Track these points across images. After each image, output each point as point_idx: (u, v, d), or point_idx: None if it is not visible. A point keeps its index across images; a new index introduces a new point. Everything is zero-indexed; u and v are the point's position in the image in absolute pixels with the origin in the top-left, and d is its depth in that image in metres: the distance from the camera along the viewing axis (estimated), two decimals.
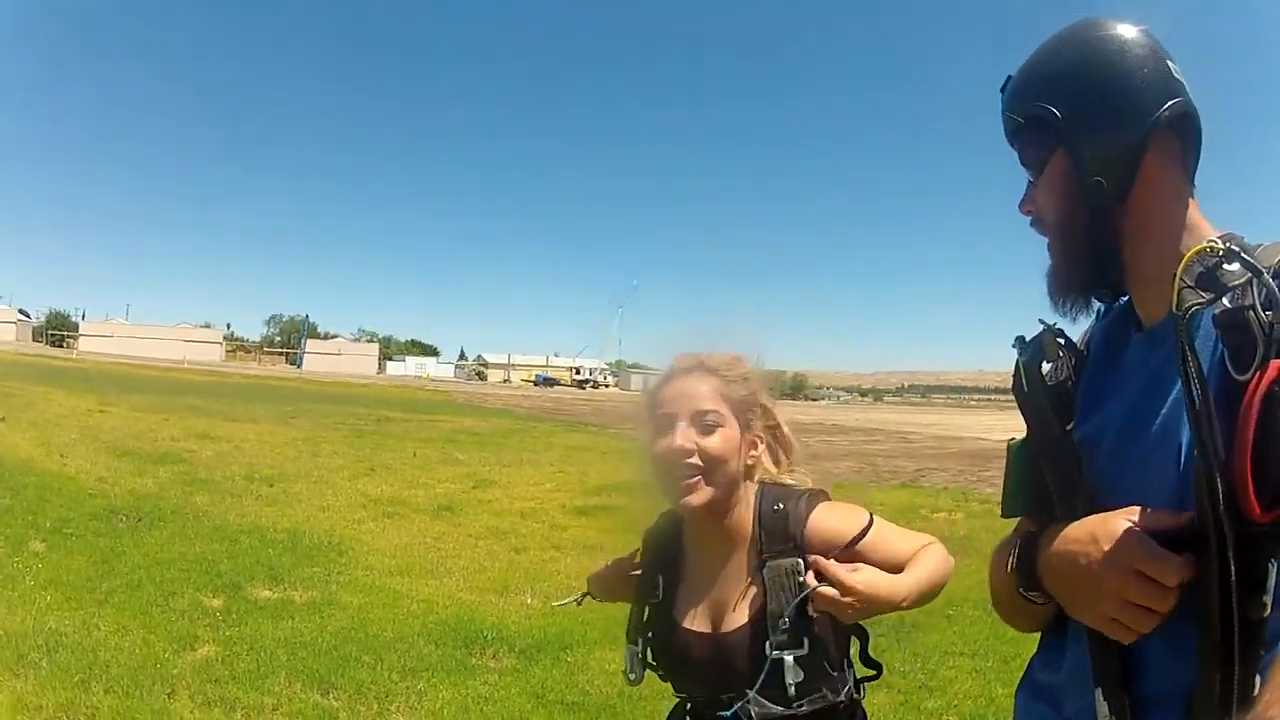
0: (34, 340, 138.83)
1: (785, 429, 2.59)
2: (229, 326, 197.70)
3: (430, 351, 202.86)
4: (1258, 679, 1.45)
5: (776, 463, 2.56)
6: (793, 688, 2.26)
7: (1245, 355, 1.48)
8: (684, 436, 2.34)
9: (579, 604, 2.83)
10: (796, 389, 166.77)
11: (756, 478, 2.50)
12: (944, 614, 8.75)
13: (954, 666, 7.10)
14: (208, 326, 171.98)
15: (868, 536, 2.35)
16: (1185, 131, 1.76)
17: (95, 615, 7.67)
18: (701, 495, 2.34)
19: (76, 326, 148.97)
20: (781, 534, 2.36)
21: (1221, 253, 1.57)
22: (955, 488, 18.84)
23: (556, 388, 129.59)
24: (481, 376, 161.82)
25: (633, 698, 6.20)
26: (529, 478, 18.68)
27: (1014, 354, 2.00)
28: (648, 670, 2.60)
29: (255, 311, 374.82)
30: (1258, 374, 1.44)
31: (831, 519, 2.37)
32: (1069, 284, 1.84)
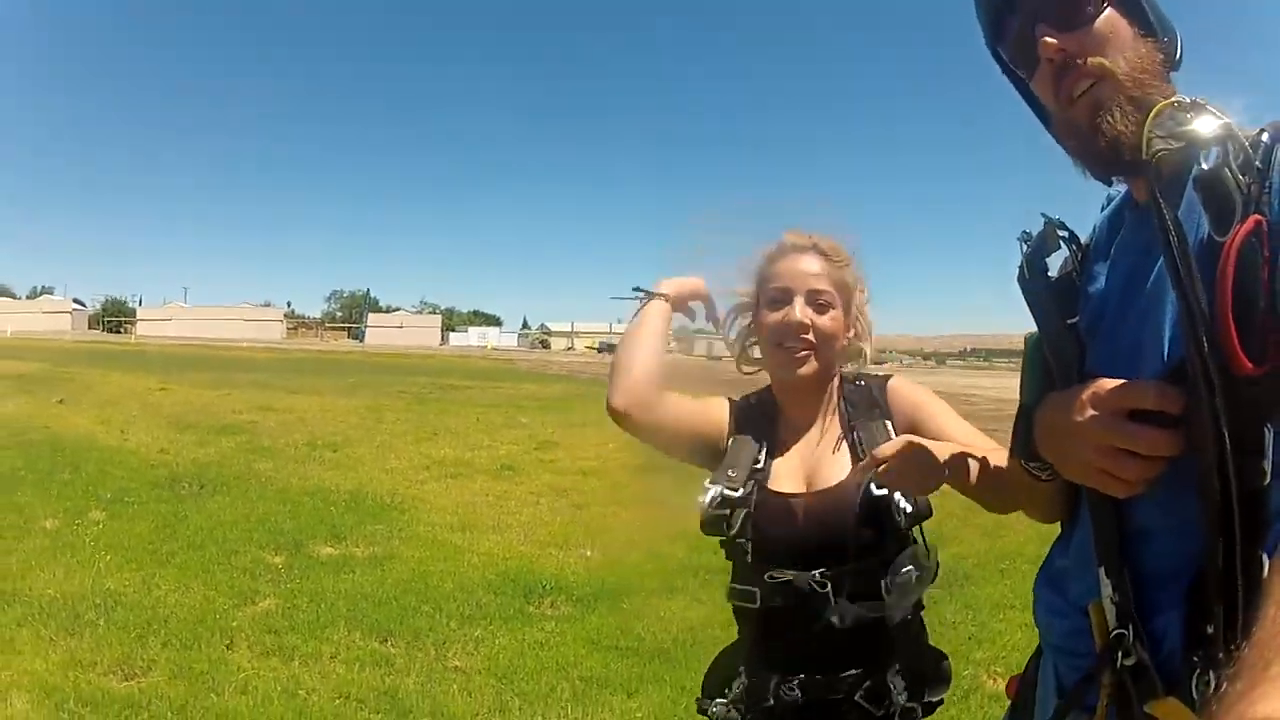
0: (90, 328, 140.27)
1: (866, 314, 2.71)
2: (289, 304, 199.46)
3: (493, 321, 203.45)
4: (1264, 558, 1.42)
5: (864, 340, 2.69)
6: (905, 517, 2.40)
7: (1224, 217, 1.48)
8: (802, 312, 2.51)
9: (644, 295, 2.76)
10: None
11: (848, 360, 2.69)
12: (997, 568, 8.79)
13: (1004, 619, 7.07)
14: (268, 305, 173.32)
15: (938, 408, 2.59)
16: None
17: (156, 575, 7.85)
18: (810, 368, 2.54)
19: (134, 312, 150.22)
20: (867, 401, 2.61)
21: (1189, 107, 1.58)
22: None
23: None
24: (545, 345, 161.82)
25: (686, 644, 6.29)
26: (591, 438, 18.65)
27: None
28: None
29: (316, 288, 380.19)
30: (1235, 229, 1.44)
31: (906, 388, 2.65)
32: (1124, 151, 1.67)
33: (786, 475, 2.57)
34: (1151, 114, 1.59)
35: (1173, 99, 1.62)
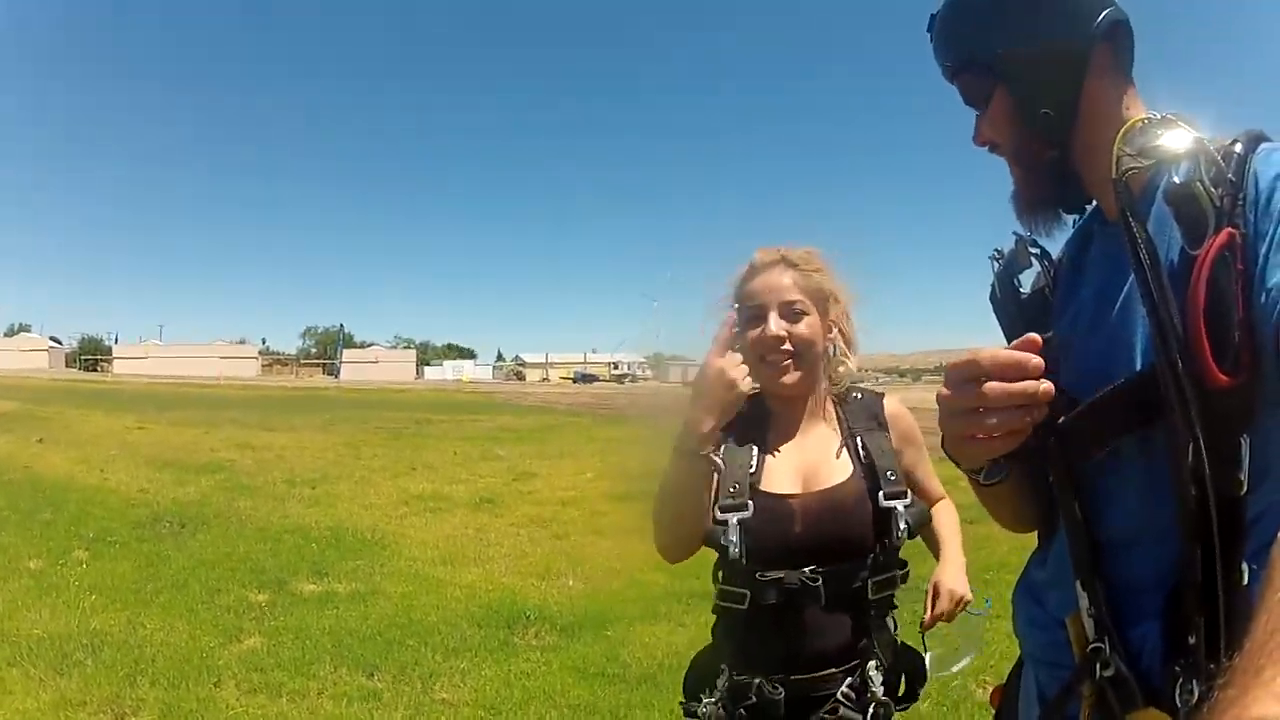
0: (67, 366, 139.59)
1: (849, 317, 2.83)
2: (264, 341, 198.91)
3: (467, 354, 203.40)
4: (1244, 566, 1.45)
5: (848, 343, 2.82)
6: (904, 535, 2.58)
7: (1197, 230, 1.50)
8: (777, 325, 2.62)
9: None
10: None
11: (832, 365, 2.78)
12: (982, 579, 8.75)
13: (991, 629, 7.07)
14: (243, 343, 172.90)
15: (923, 450, 2.84)
16: (1119, 35, 1.77)
17: (140, 615, 7.81)
18: (793, 376, 2.66)
19: (109, 351, 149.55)
20: (866, 413, 2.78)
21: (1159, 123, 1.63)
22: None
23: (596, 384, 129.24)
24: (520, 376, 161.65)
25: (671, 668, 6.27)
26: (570, 469, 18.77)
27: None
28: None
29: (290, 325, 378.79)
30: (1208, 242, 1.47)
31: (904, 415, 2.85)
32: (1034, 203, 1.89)
33: (782, 476, 2.64)
34: (1121, 131, 1.63)
35: (1142, 116, 1.67)
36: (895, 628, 2.73)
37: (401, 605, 8.48)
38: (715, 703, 2.63)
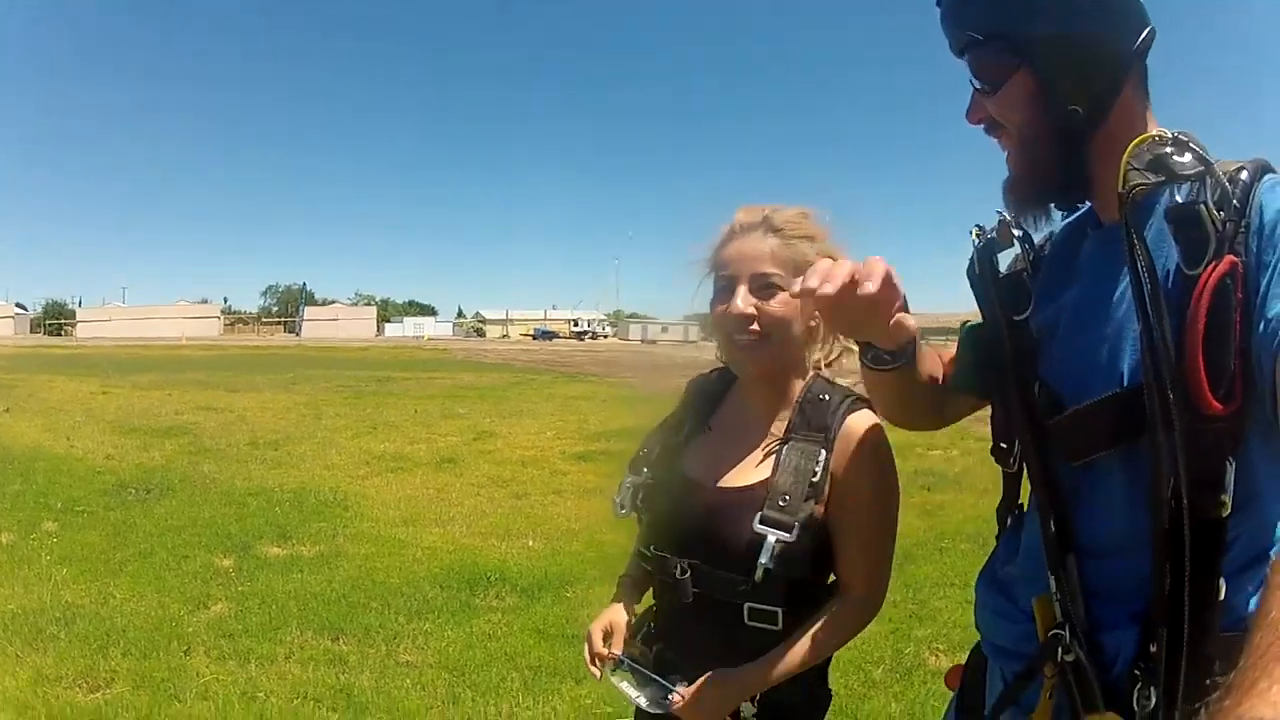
0: (32, 332, 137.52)
1: None
2: (226, 300, 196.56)
3: (428, 311, 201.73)
4: (1222, 583, 1.50)
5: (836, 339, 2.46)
6: (761, 570, 2.15)
7: (1196, 251, 1.51)
8: (745, 301, 2.26)
9: None
10: None
11: (819, 354, 2.44)
12: (936, 546, 9.04)
13: (945, 597, 7.25)
14: (205, 302, 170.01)
15: (872, 503, 2.30)
16: (1148, 52, 1.75)
17: (110, 585, 7.83)
18: (759, 357, 2.32)
19: (74, 315, 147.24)
20: (818, 422, 2.30)
21: (1170, 141, 1.62)
22: (953, 427, 18.44)
23: (555, 340, 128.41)
24: (480, 333, 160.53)
25: None
26: (529, 428, 18.79)
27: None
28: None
29: (252, 283, 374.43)
30: (1209, 267, 1.47)
31: (867, 443, 2.27)
32: (1032, 197, 1.85)
33: (705, 460, 2.44)
34: (1130, 147, 1.63)
35: (1152, 133, 1.66)
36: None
37: (364, 567, 8.54)
38: (636, 651, 2.51)
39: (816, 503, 2.20)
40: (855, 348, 2.15)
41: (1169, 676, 1.50)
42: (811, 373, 2.41)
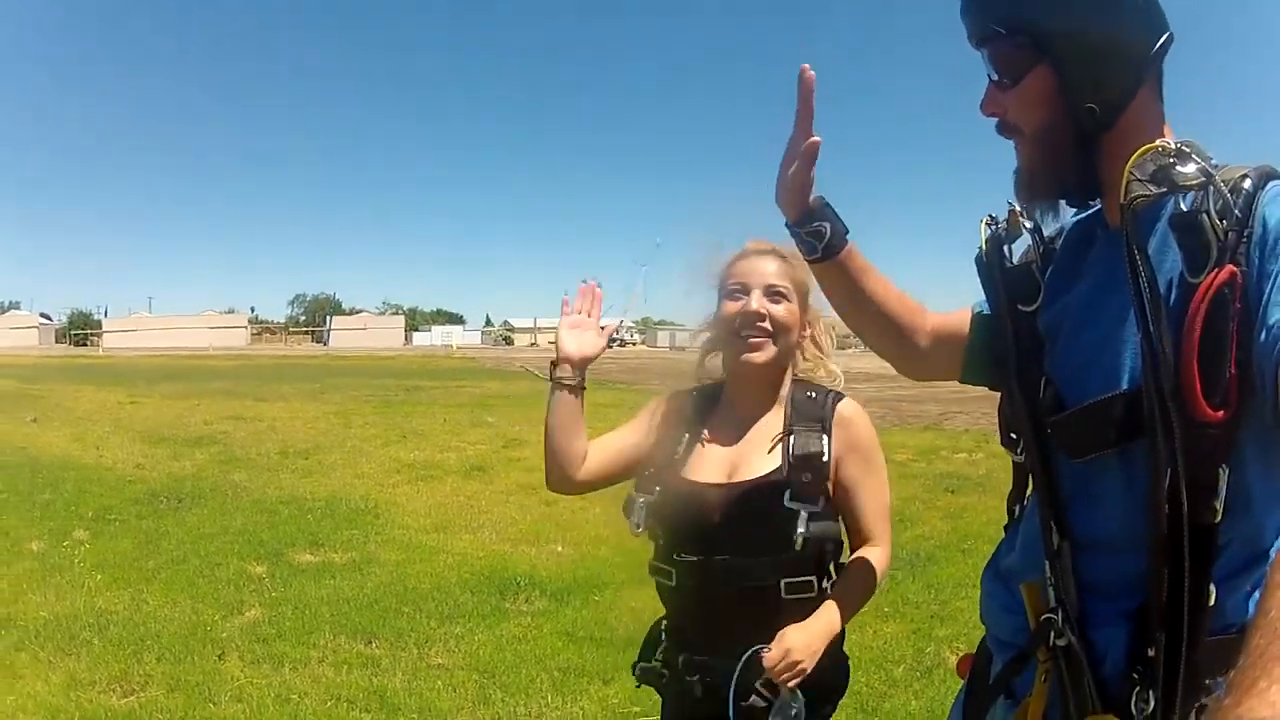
0: (57, 342, 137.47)
1: (824, 331, 2.90)
2: (253, 310, 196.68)
3: (456, 320, 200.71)
4: (1212, 588, 1.53)
5: (819, 348, 2.89)
6: (800, 539, 2.50)
7: (1198, 259, 1.53)
8: (758, 303, 2.68)
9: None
10: None
11: (800, 365, 2.85)
12: (959, 548, 9.13)
13: (966, 598, 7.25)
14: (232, 312, 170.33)
15: (872, 464, 2.74)
16: (1164, 57, 1.78)
17: (144, 591, 7.95)
18: (765, 354, 2.69)
19: (99, 325, 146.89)
20: (814, 413, 2.69)
21: (1173, 152, 1.63)
22: (977, 430, 18.62)
23: None
24: (508, 341, 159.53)
25: None
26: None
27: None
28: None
29: (279, 293, 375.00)
30: (1209, 276, 1.50)
31: (857, 420, 2.74)
32: (1041, 191, 1.87)
33: (711, 464, 2.73)
34: (1133, 157, 1.65)
35: (1156, 142, 1.67)
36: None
37: (396, 573, 8.64)
38: (653, 665, 2.84)
39: (827, 480, 2.62)
40: (836, 369, 2.85)
41: (1167, 680, 1.53)
42: (791, 379, 2.82)
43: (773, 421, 2.75)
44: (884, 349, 2.28)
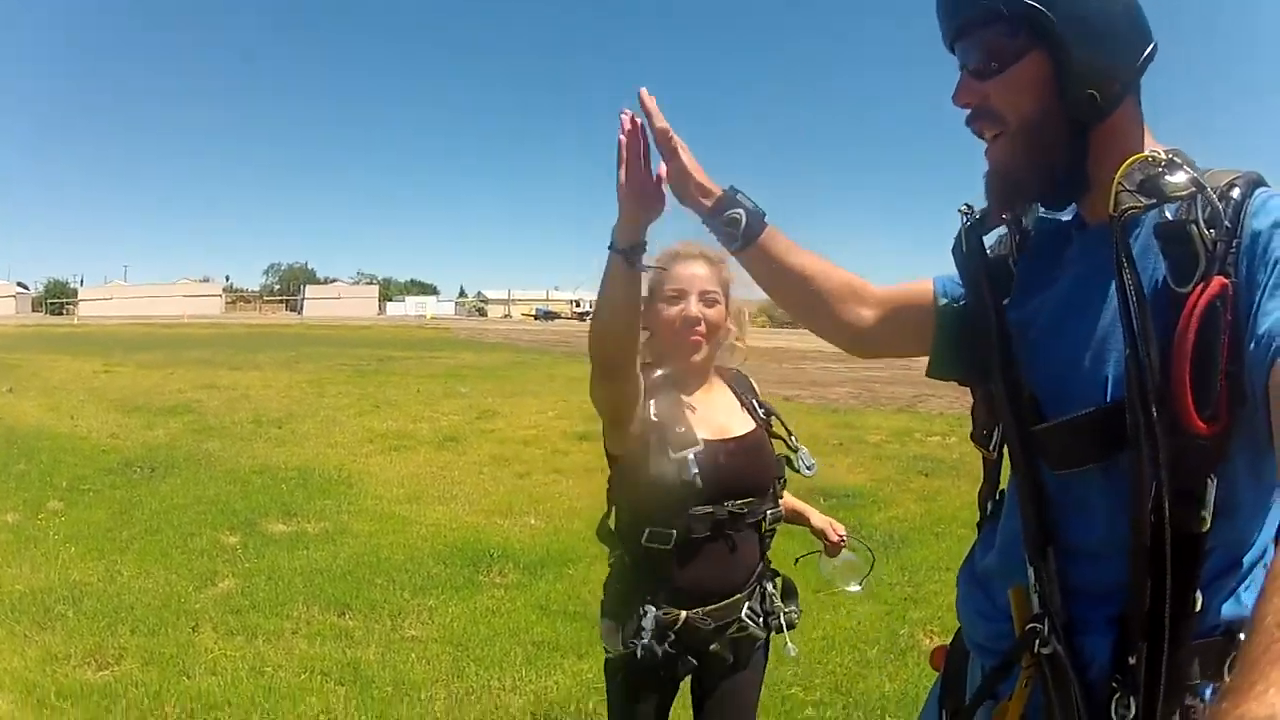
0: (33, 311, 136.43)
1: (740, 315, 3.30)
2: (228, 279, 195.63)
3: (430, 290, 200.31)
4: (1198, 595, 1.51)
5: (740, 329, 3.31)
6: (811, 471, 3.24)
7: (1185, 268, 1.51)
8: (696, 309, 3.06)
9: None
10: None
11: (727, 345, 3.28)
12: (932, 531, 9.16)
13: (940, 581, 7.37)
14: (207, 281, 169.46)
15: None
16: (1146, 68, 1.73)
17: (118, 563, 7.92)
18: (704, 352, 3.12)
19: (75, 293, 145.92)
20: (746, 386, 3.35)
21: (1163, 162, 1.61)
22: (951, 413, 18.47)
23: (557, 321, 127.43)
24: (482, 313, 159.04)
25: None
26: (531, 407, 18.76)
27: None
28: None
29: (254, 262, 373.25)
30: (1198, 287, 1.48)
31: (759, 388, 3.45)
32: (1024, 189, 1.80)
33: (700, 427, 3.04)
34: (1122, 167, 1.62)
35: (1145, 152, 1.65)
36: None
37: (369, 544, 8.65)
38: (649, 640, 2.96)
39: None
40: (742, 344, 3.33)
41: (1149, 687, 1.52)
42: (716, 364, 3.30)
43: (719, 394, 3.25)
44: (821, 328, 2.25)
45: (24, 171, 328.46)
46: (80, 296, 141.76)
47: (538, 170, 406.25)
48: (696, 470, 2.91)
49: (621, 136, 2.21)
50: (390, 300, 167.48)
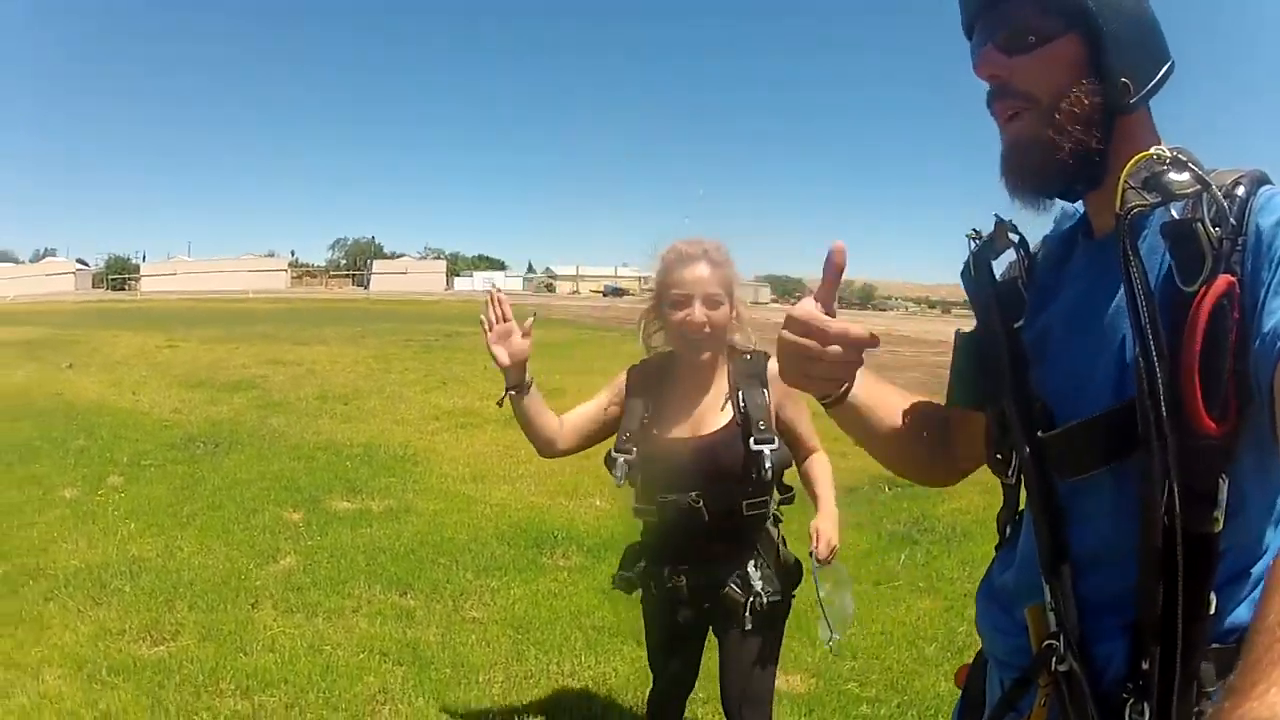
0: (94, 288, 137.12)
1: (742, 303, 3.61)
2: (293, 253, 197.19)
3: (497, 266, 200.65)
4: (1212, 596, 1.51)
5: (741, 319, 3.60)
6: (767, 473, 3.36)
7: (1192, 267, 1.50)
8: (700, 312, 3.38)
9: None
10: (865, 299, 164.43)
11: (731, 335, 3.58)
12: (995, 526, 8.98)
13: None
14: (272, 255, 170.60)
15: (802, 410, 3.63)
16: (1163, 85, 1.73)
17: (178, 538, 8.05)
18: (708, 352, 3.49)
19: (137, 269, 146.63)
20: (752, 372, 3.52)
21: (1168, 160, 1.60)
22: None
23: (626, 298, 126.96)
24: (550, 289, 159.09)
25: None
26: (598, 385, 18.56)
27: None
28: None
29: (320, 237, 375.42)
30: (1205, 286, 1.47)
31: None
32: (1045, 170, 1.73)
33: (675, 423, 3.56)
34: (1128, 166, 1.61)
35: (1151, 151, 1.63)
36: (779, 538, 3.70)
37: (433, 523, 8.71)
38: (631, 575, 3.84)
39: (773, 422, 3.44)
40: (751, 334, 3.63)
41: (1162, 693, 1.52)
42: (729, 345, 3.60)
43: (719, 384, 3.57)
44: (930, 473, 2.37)
45: (84, 149, 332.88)
46: (142, 272, 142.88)
47: (607, 147, 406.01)
48: (624, 476, 3.50)
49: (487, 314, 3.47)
50: (458, 275, 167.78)
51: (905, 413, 2.14)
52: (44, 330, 35.06)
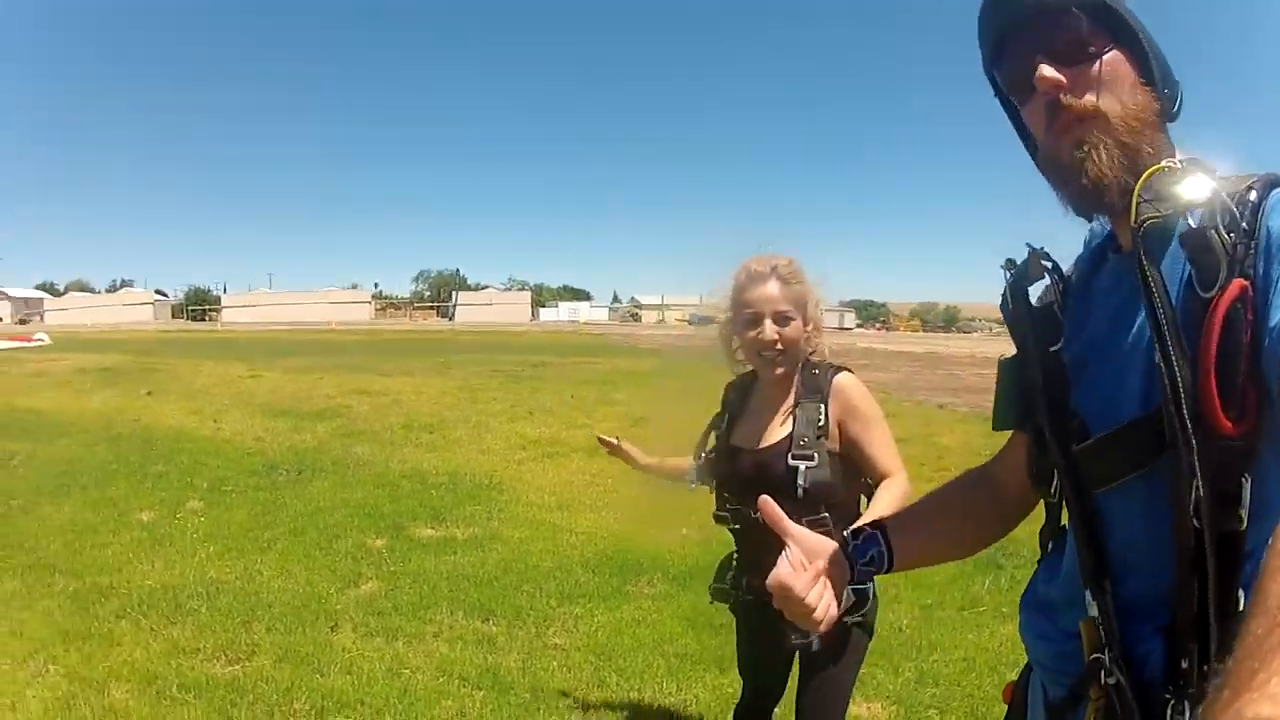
0: (174, 318, 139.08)
1: (819, 314, 3.71)
2: (376, 286, 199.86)
3: (582, 296, 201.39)
4: (1240, 594, 1.53)
5: (818, 329, 3.70)
6: (801, 490, 3.39)
7: (1209, 274, 1.55)
8: (770, 330, 3.55)
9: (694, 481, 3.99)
10: (949, 321, 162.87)
11: (810, 351, 3.67)
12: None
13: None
14: (355, 288, 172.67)
15: (870, 418, 3.59)
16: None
17: (257, 562, 8.16)
18: (781, 369, 3.62)
19: (218, 300, 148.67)
20: (815, 387, 3.58)
21: (1180, 171, 1.66)
22: None
23: (711, 326, 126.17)
24: (636, 318, 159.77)
25: None
26: (679, 413, 18.52)
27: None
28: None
29: (403, 269, 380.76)
30: (1220, 291, 1.52)
31: (851, 387, 3.60)
32: (1107, 179, 1.72)
33: (745, 434, 3.72)
34: (1141, 179, 1.66)
35: (1163, 163, 1.69)
36: None
37: (518, 550, 8.76)
38: (725, 587, 3.90)
39: (827, 440, 3.50)
40: (826, 344, 3.75)
41: (1202, 690, 1.51)
42: (803, 359, 3.67)
43: (787, 399, 3.66)
44: (993, 534, 2.39)
45: (167, 182, 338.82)
46: (224, 303, 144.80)
47: (692, 174, 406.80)
48: (694, 478, 3.93)
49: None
50: (543, 306, 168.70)
51: (942, 513, 2.34)
52: (123, 357, 35.45)
